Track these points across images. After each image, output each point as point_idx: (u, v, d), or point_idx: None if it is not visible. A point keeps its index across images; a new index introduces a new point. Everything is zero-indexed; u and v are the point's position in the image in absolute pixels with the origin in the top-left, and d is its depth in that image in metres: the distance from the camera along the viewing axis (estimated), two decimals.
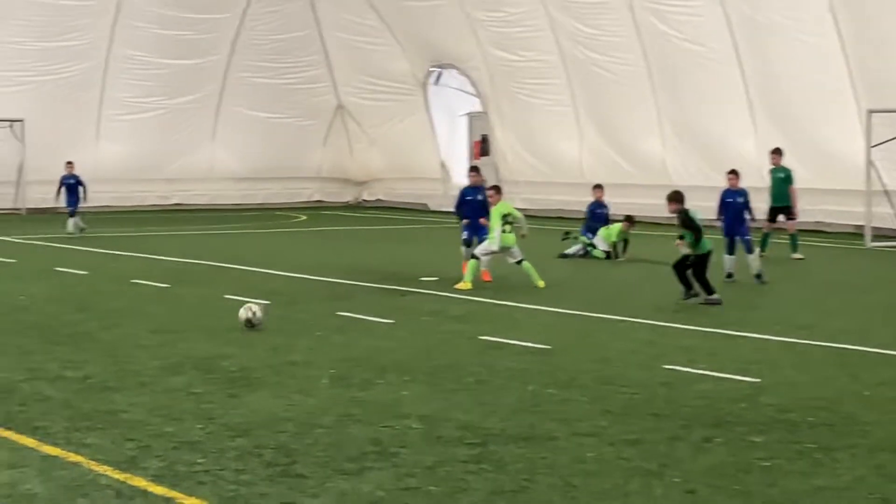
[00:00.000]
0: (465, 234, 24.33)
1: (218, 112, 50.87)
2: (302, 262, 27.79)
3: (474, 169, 25.63)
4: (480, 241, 23.64)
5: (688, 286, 20.38)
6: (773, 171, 30.12)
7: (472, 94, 49.17)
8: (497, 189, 23.98)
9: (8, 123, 46.76)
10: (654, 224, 36.11)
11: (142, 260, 28.59)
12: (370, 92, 51.50)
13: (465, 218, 24.46)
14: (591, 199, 30.95)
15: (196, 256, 29.00)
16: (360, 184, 54.72)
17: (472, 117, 50.42)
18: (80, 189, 37.47)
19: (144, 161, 49.14)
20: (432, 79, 50.17)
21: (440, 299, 21.24)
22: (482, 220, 23.84)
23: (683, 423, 11.59)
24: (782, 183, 29.60)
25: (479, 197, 24.39)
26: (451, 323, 18.49)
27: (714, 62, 38.75)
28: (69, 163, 38.65)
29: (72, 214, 36.98)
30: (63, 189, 37.73)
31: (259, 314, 17.45)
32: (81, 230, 36.36)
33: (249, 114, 50.90)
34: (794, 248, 28.91)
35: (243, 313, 17.48)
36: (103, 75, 48.05)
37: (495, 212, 23.09)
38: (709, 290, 20.21)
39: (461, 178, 49.59)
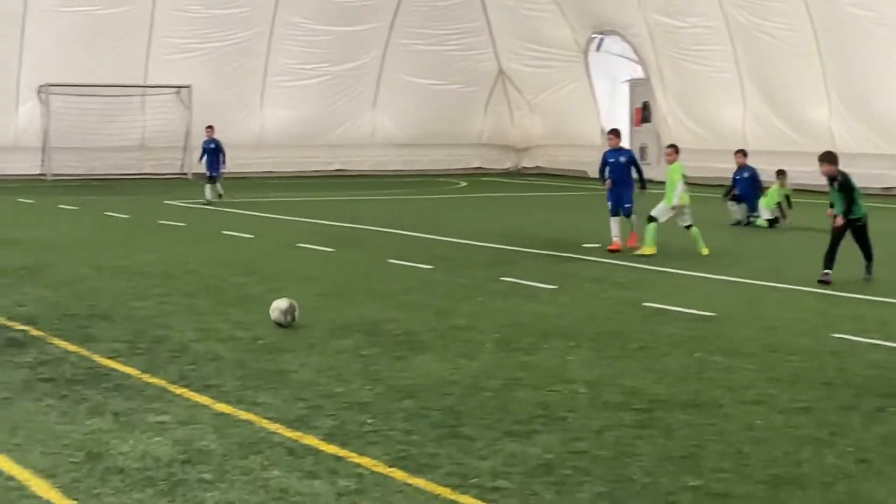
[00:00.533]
0: (610, 203, 23.88)
1: (380, 78, 51.24)
2: (463, 227, 27.89)
3: (614, 132, 25.12)
4: (625, 207, 23.60)
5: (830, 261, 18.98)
6: None
7: (633, 61, 48.78)
8: (675, 148, 23.74)
9: (175, 90, 47.66)
10: (820, 192, 35.47)
11: (306, 224, 28.96)
12: (531, 59, 51.40)
13: (609, 181, 24.05)
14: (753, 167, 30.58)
15: (359, 221, 29.28)
16: (520, 151, 54.73)
17: (634, 84, 50.01)
18: (220, 155, 36.60)
19: (307, 127, 49.79)
20: (594, 45, 49.87)
21: (603, 266, 21.18)
22: (607, 183, 23.78)
23: (854, 392, 11.42)
24: None
25: (622, 159, 24.07)
26: (615, 289, 18.43)
27: (883, 27, 37.89)
28: (209, 127, 37.87)
29: (210, 180, 36.16)
30: (204, 155, 37.06)
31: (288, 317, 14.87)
32: (219, 196, 36.03)
33: (411, 80, 51.19)
34: None
35: (280, 314, 14.84)
36: (268, 42, 48.71)
37: (674, 170, 23.01)
38: (829, 264, 18.89)
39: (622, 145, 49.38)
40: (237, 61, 48.27)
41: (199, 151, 38.17)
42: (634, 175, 23.99)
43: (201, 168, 37.91)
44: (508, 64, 52.51)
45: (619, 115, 50.44)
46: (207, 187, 35.94)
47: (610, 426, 10.15)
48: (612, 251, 22.97)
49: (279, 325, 14.66)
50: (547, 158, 53.19)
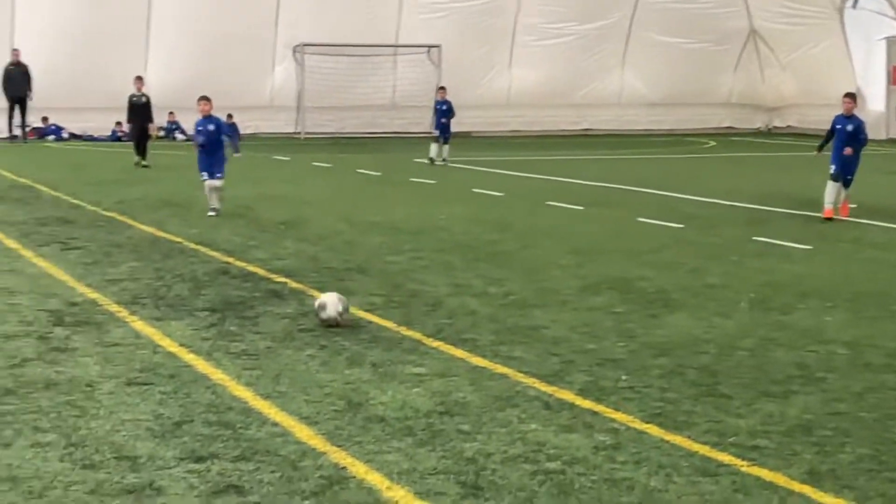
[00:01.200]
0: (835, 166, 22.12)
1: (628, 37, 50.86)
2: (713, 187, 27.55)
3: (850, 95, 23.34)
4: (847, 179, 22.16)
5: None
6: None
7: (891, 17, 47.29)
8: None
9: (426, 49, 48.14)
10: None
11: (554, 183, 28.99)
12: (784, 16, 50.29)
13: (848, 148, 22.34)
14: None
15: (607, 180, 29.18)
16: (771, 110, 53.72)
17: (892, 42, 48.50)
18: (450, 116, 35.45)
19: (555, 87, 49.75)
20: (849, 2, 48.50)
21: (859, 227, 20.70)
22: (847, 150, 22.16)
23: None
24: None
25: (849, 128, 22.36)
26: (871, 250, 18.01)
27: None
28: (441, 88, 37.33)
29: (441, 140, 35.08)
30: (434, 114, 36.37)
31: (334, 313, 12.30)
32: (443, 161, 34.58)
33: (660, 39, 50.66)
34: None
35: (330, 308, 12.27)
36: (517, 2, 48.79)
37: None
38: None
39: (878, 105, 48.06)
40: (486, 21, 48.50)
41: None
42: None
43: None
44: (760, 22, 51.51)
45: (875, 75, 49.03)
46: (433, 146, 35.04)
47: (872, 388, 9.93)
48: (826, 219, 21.64)
49: (330, 320, 12.16)
50: (799, 118, 52.06)
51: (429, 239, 18.94)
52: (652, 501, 7.29)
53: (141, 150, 32.80)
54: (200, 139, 21.85)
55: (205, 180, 21.88)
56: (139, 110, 33.48)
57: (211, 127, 21.94)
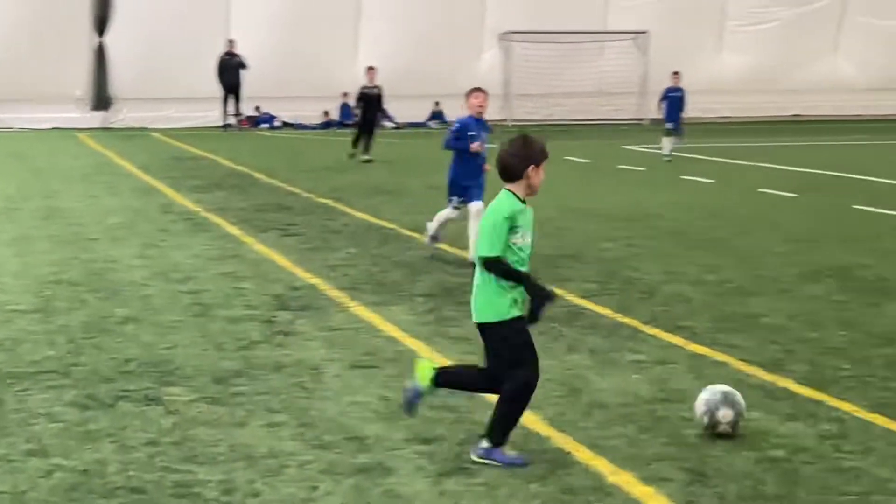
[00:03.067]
0: None
1: (841, 21, 49.89)
2: None
3: None
4: None
5: None
6: None
7: None
8: None
9: (632, 36, 47.94)
10: None
11: (766, 169, 28.63)
12: None
13: None
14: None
15: (820, 166, 28.71)
16: None
17: None
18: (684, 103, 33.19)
19: (764, 72, 49.07)
20: None
21: None
22: None
23: None
24: None
25: None
26: None
27: None
28: (675, 73, 34.35)
29: (673, 132, 32.51)
30: (665, 102, 33.59)
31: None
32: (667, 157, 31.63)
33: (874, 23, 49.55)
34: None
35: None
36: None
37: None
38: None
39: None
40: (694, 5, 48.09)
41: (658, 97, 35.91)
42: None
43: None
44: None
45: None
46: (665, 141, 32.28)
47: None
48: None
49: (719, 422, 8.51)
50: None
51: (640, 226, 18.91)
52: (881, 490, 7.23)
53: (365, 144, 31.73)
54: (475, 145, 15.35)
55: (456, 206, 15.77)
56: (372, 102, 32.82)
57: (485, 135, 15.59)
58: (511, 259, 7.70)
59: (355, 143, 32.18)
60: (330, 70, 45.47)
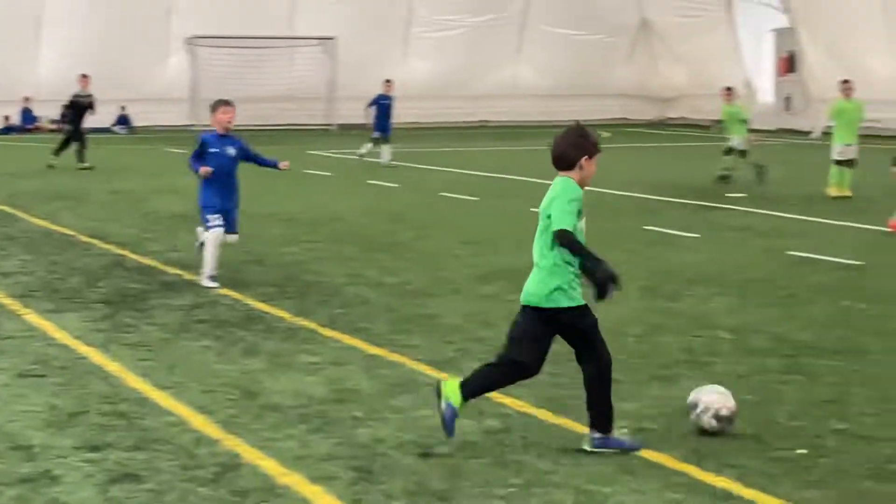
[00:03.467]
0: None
1: (523, 29, 51.22)
2: (608, 178, 27.66)
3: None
4: None
5: None
6: None
7: (778, 10, 48.08)
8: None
9: (319, 41, 48.14)
10: None
11: (450, 174, 29.18)
12: (675, 8, 50.99)
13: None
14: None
15: (502, 171, 29.43)
16: (664, 101, 54.36)
17: (779, 33, 49.32)
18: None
19: (450, 78, 49.96)
20: None
21: (747, 215, 21.10)
22: None
23: None
24: None
25: None
26: (758, 238, 18.37)
27: None
28: (388, 81, 34.06)
29: (382, 140, 32.37)
30: (374, 108, 33.11)
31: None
32: (361, 156, 32.50)
33: (554, 31, 51.09)
34: None
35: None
36: None
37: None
38: None
39: (766, 96, 48.88)
40: (381, 12, 48.58)
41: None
42: None
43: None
44: (652, 14, 52.12)
45: (764, 66, 49.88)
46: (384, 148, 31.98)
47: (755, 371, 10.22)
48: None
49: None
50: (691, 109, 52.72)
51: (325, 230, 19.05)
52: (541, 483, 7.48)
53: (80, 152, 30.66)
54: (210, 167, 14.09)
55: (214, 229, 14.16)
56: (84, 109, 31.82)
57: (232, 150, 14.47)
58: None
59: (59, 151, 31.10)
60: (10, 74, 44.26)
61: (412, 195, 24.30)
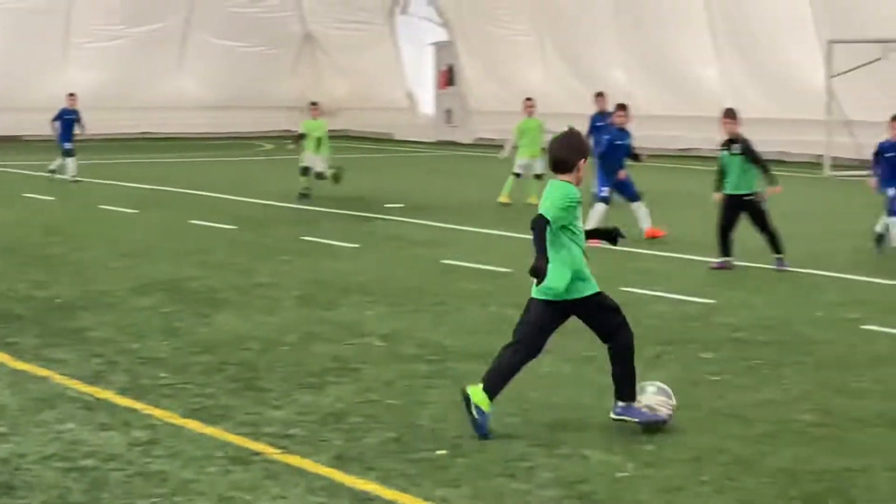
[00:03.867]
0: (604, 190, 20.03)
1: (185, 41, 50.78)
2: (268, 189, 27.96)
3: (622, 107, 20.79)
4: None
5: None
6: None
7: (438, 24, 49.12)
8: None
9: None
10: None
11: (109, 186, 28.74)
12: (337, 22, 51.41)
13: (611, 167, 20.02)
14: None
15: (163, 183, 29.17)
16: (327, 114, 54.73)
17: (439, 47, 50.40)
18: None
19: (113, 89, 49.01)
20: (399, 8, 50.10)
21: (403, 225, 21.52)
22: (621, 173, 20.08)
23: (637, 341, 11.88)
24: None
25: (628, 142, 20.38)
26: (414, 248, 18.78)
27: None
28: (71, 94, 33.35)
29: (70, 152, 31.06)
30: (59, 122, 31.96)
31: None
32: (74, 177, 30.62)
33: (217, 42, 50.80)
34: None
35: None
36: (69, 1, 47.87)
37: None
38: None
39: (427, 108, 49.94)
40: (37, 20, 47.26)
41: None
42: None
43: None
44: (315, 27, 52.47)
45: (425, 78, 50.89)
46: (69, 161, 30.79)
47: (402, 376, 10.48)
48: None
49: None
50: (353, 121, 53.23)
51: None
52: (184, 491, 7.51)
53: None
54: None
55: None
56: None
57: None
58: (574, 240, 8.66)
59: None
60: None
61: (70, 208, 23.88)
